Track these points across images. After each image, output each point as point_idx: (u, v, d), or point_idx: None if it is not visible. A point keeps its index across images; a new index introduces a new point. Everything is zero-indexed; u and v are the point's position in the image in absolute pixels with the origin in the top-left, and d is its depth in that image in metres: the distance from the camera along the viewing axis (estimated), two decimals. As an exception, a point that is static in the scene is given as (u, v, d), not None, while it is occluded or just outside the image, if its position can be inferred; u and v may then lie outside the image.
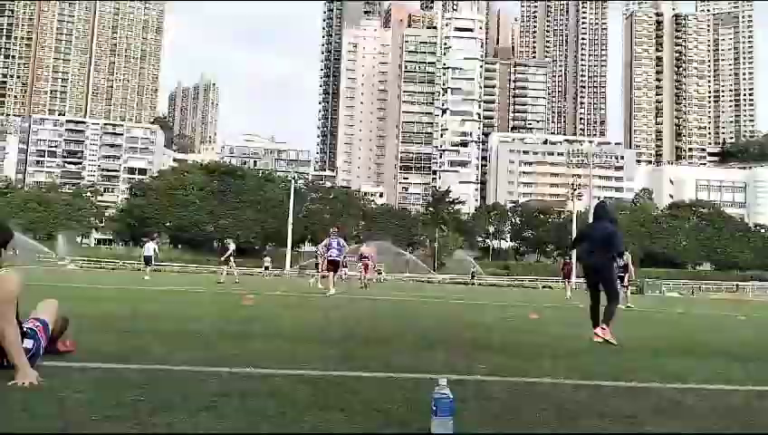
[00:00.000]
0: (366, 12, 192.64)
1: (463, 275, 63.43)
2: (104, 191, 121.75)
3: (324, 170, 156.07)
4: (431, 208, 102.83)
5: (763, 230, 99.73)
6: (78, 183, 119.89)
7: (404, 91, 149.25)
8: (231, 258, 25.48)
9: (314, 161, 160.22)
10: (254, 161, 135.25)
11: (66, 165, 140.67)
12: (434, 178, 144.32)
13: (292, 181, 71.88)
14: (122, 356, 4.27)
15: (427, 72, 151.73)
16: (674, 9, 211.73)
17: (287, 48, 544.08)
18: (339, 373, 4.11)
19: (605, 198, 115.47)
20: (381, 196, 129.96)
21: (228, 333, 6.24)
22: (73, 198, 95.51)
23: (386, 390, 3.68)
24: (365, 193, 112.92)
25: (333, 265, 17.45)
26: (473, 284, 53.69)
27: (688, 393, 4.09)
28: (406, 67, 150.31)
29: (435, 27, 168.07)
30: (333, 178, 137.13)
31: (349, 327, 8.08)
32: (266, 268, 43.73)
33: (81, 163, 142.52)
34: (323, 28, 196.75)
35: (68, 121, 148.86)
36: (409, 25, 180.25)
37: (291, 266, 58.44)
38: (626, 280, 21.63)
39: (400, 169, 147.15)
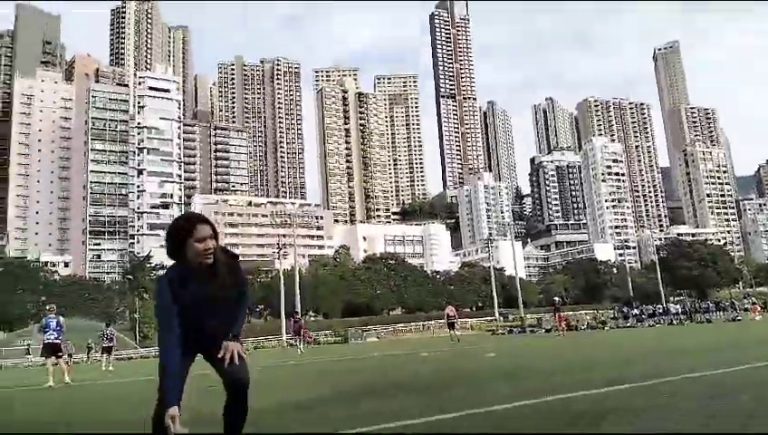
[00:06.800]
0: (44, 62, 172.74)
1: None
2: None
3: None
4: (129, 276, 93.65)
5: (438, 276, 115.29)
6: None
7: (91, 150, 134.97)
8: None
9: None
10: None
11: None
12: (131, 244, 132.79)
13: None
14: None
15: (120, 131, 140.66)
16: (357, 88, 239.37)
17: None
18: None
19: (309, 255, 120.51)
20: (67, 265, 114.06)
21: None
22: None
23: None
24: (45, 263, 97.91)
25: (52, 350, 14.24)
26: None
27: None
28: (93, 124, 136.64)
29: (126, 85, 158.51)
30: (3, 248, 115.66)
31: None
32: None
33: None
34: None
35: None
36: (97, 81, 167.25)
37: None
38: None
39: (90, 234, 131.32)
